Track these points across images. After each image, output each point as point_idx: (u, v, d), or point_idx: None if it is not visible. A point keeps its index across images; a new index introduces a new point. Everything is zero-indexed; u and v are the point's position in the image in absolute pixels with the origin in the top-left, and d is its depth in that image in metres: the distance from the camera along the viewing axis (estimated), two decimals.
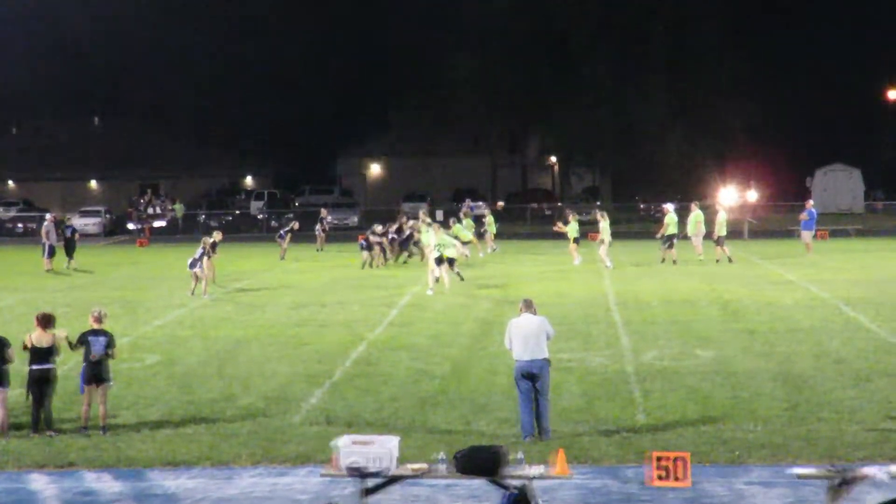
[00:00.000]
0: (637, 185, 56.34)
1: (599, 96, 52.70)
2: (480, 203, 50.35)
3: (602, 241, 27.53)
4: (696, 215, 28.61)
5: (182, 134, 69.80)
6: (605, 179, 58.17)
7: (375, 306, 20.72)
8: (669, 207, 28.42)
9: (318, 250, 34.43)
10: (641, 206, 52.72)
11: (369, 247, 28.56)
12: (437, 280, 22.95)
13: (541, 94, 54.72)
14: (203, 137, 69.93)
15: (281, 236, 32.46)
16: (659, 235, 28.38)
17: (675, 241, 27.89)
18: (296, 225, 33.57)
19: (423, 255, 27.02)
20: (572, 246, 28.40)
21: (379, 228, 29.39)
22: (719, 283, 23.72)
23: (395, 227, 29.66)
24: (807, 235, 30.21)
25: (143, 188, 60.87)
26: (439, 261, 22.74)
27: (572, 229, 28.21)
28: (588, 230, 32.66)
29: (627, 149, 52.53)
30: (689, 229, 28.58)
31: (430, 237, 23.73)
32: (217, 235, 24.84)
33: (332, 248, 35.11)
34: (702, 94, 52.56)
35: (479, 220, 37.66)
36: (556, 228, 29.59)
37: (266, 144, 70.55)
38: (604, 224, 27.52)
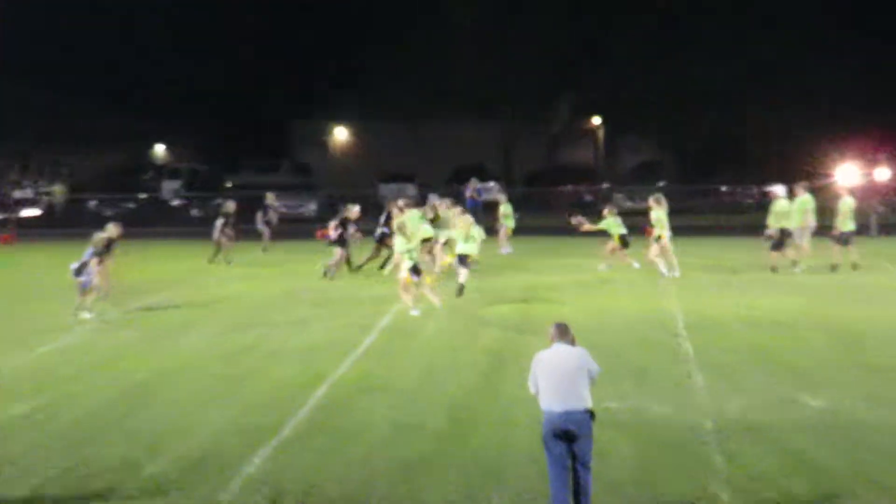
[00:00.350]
0: (711, 161, 56.39)
1: (661, 40, 52.64)
2: (491, 185, 49.95)
3: (658, 238, 27.62)
4: (803, 202, 28.75)
5: (70, 91, 69.26)
6: (667, 152, 58.04)
7: (344, 330, 20.75)
8: (780, 191, 28.73)
9: (263, 250, 34.50)
10: (723, 188, 52.73)
11: (340, 241, 28.44)
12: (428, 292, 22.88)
13: (578, 35, 54.57)
14: (99, 96, 69.42)
15: (217, 228, 32.46)
16: (768, 233, 28.56)
17: (784, 238, 28.12)
18: (231, 205, 33.20)
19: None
20: (613, 246, 28.58)
21: (356, 211, 29.25)
22: (834, 298, 23.66)
23: (382, 218, 29.50)
24: None
25: (8, 164, 60.95)
26: (415, 270, 22.68)
27: (612, 225, 28.25)
28: (638, 223, 32.42)
29: (700, 111, 52.74)
30: (794, 221, 28.64)
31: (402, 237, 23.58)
32: (113, 230, 24.64)
33: (282, 249, 34.81)
34: (805, 39, 52.76)
35: (489, 210, 37.29)
36: (580, 225, 29.05)
37: (187, 102, 70.10)
38: (658, 213, 27.53)
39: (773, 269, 27.91)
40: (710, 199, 51.22)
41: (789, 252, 28.43)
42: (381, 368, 17.64)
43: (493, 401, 15.51)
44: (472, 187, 41.37)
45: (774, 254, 28.22)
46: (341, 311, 23.07)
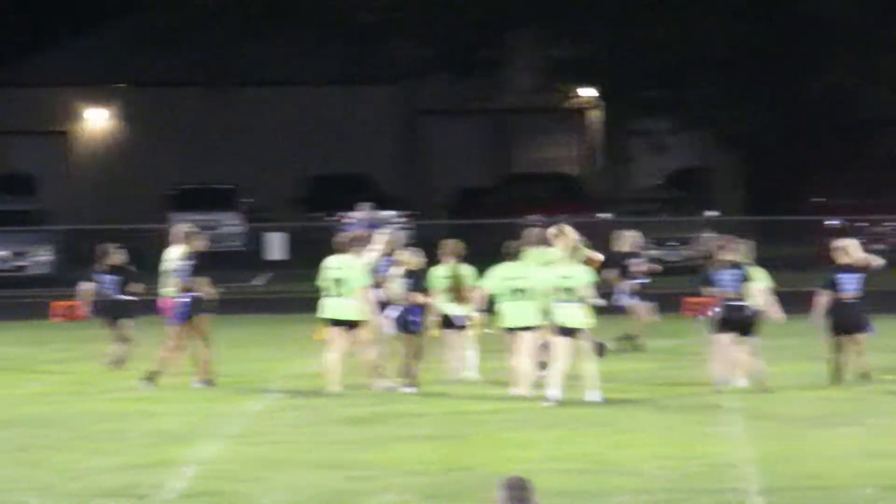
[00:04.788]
0: (816, 169, 53.51)
1: None
2: (383, 214, 45.77)
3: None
4: None
5: None
6: (726, 152, 53.01)
7: (98, 499, 17.37)
8: None
9: None
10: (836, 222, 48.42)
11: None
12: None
13: None
14: None
15: None
16: None
17: None
18: None
19: None
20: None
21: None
22: None
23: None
24: None
25: None
26: None
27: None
28: (665, 286, 31.96)
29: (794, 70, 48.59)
30: None
31: None
32: None
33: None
34: None
35: None
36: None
37: None
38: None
39: None
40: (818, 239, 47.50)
41: None
42: None
43: None
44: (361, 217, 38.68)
45: None
46: (97, 458, 19.69)
